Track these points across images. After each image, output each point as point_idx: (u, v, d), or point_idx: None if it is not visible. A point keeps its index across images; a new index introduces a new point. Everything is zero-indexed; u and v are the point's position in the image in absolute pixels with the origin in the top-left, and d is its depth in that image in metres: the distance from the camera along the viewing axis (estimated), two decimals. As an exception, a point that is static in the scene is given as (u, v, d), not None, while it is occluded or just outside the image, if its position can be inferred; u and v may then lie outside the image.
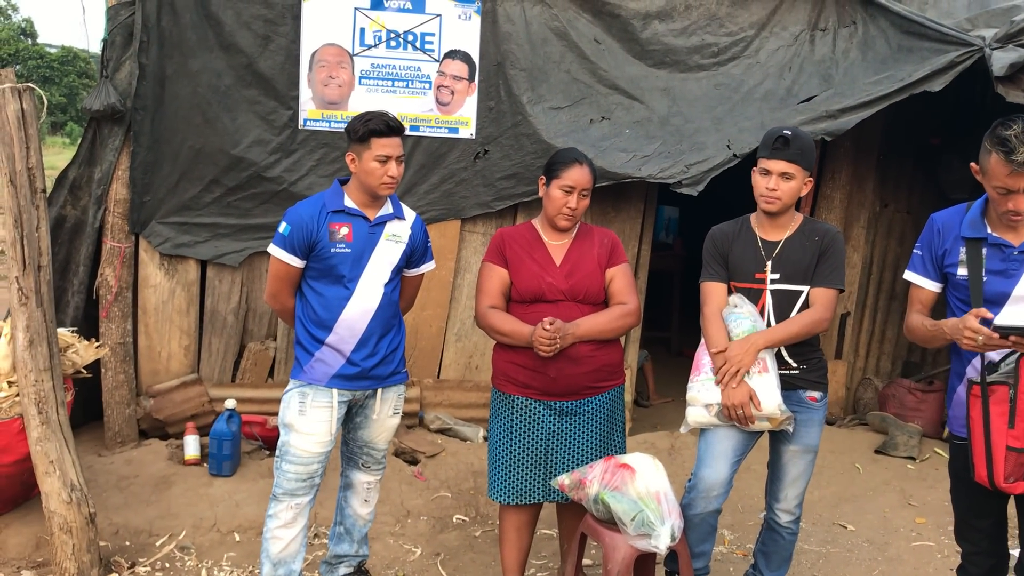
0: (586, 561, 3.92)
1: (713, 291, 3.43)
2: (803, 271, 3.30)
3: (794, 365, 3.33)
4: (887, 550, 4.40)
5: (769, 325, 3.32)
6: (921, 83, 4.93)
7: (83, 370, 4.20)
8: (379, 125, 3.17)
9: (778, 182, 3.23)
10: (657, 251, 7.85)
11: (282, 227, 3.23)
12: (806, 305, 3.31)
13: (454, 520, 4.53)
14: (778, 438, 3.42)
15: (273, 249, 3.25)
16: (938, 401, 6.14)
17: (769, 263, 3.34)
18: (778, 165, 3.22)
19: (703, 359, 3.40)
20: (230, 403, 4.71)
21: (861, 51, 5.35)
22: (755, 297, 3.36)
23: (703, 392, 3.33)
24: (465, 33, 5.14)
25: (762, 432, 3.36)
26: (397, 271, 3.39)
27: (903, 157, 6.43)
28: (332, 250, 3.22)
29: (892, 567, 4.21)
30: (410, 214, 3.47)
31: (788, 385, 3.31)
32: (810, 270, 3.31)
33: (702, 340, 3.43)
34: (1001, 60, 4.66)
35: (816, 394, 3.37)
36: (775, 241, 3.36)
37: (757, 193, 3.31)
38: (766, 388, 3.20)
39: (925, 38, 5.07)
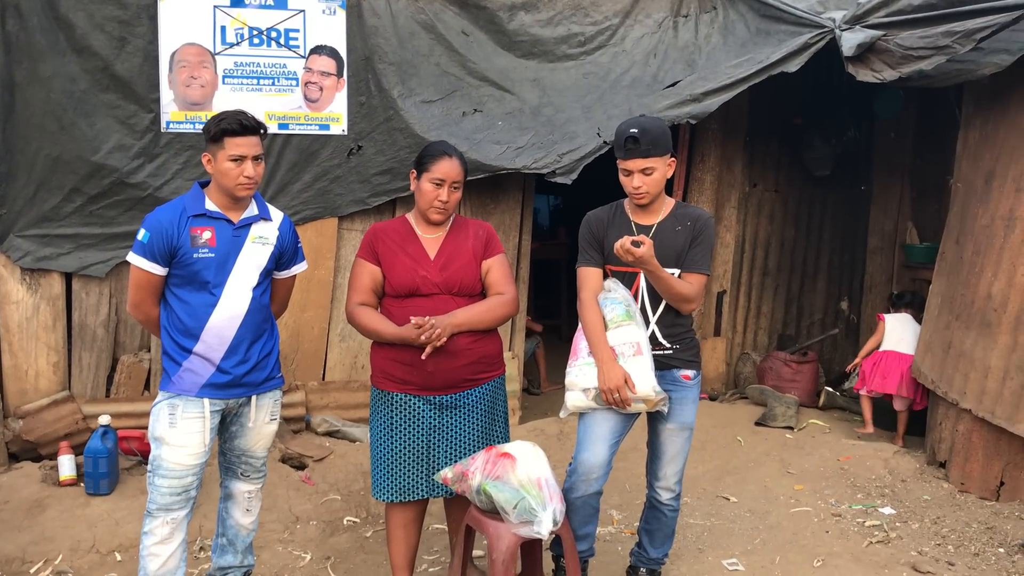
0: (477, 552, 3.93)
1: (589, 276, 3.48)
2: (676, 254, 3.37)
3: (667, 345, 3.42)
4: (768, 518, 4.55)
5: (642, 308, 3.40)
6: (778, 65, 5.10)
7: (-61, 395, 3.99)
8: (231, 124, 3.10)
9: (641, 179, 3.29)
10: (542, 240, 7.95)
11: (141, 234, 3.12)
12: None
13: (345, 522, 4.48)
14: (655, 417, 3.49)
15: (133, 257, 3.13)
16: (812, 371, 6.39)
17: None
18: (635, 164, 3.28)
19: (580, 344, 3.45)
20: (104, 419, 4.54)
21: (722, 36, 5.50)
22: (630, 280, 3.42)
23: (581, 377, 3.38)
24: (331, 28, 5.07)
25: (639, 413, 3.42)
26: (266, 274, 3.31)
27: (769, 138, 6.65)
28: (195, 255, 3.13)
29: (772, 534, 4.36)
30: (277, 215, 3.40)
31: (662, 365, 3.39)
32: (683, 253, 3.38)
33: (580, 326, 3.48)
34: (850, 41, 4.86)
35: (690, 372, 3.46)
36: (648, 225, 3.42)
37: (625, 191, 3.38)
38: (641, 371, 3.27)
39: (781, 21, 5.25)
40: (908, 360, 5.63)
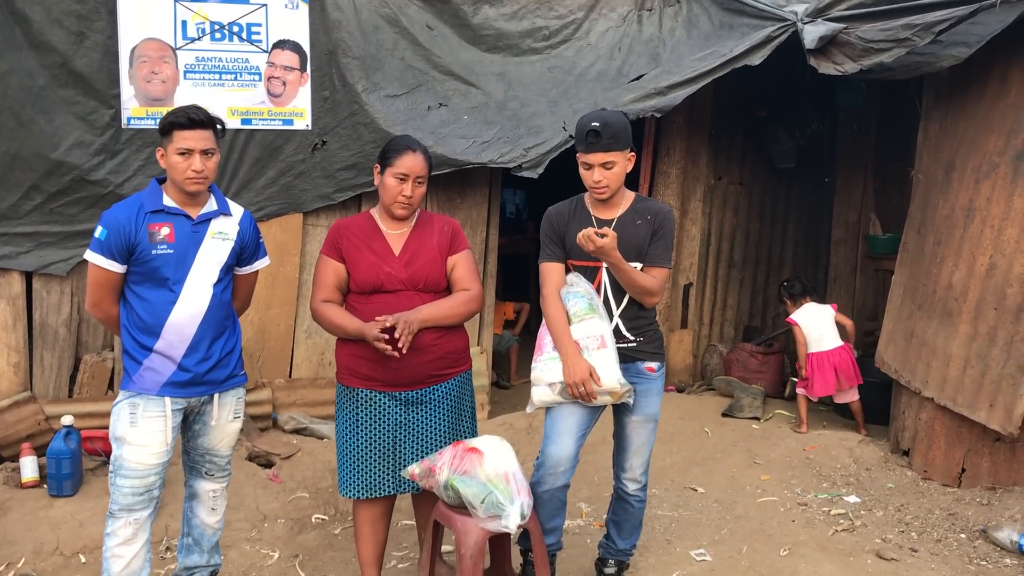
0: (447, 548, 3.92)
1: (551, 271, 3.49)
2: (636, 248, 3.38)
3: (631, 338, 3.43)
4: (735, 508, 4.59)
5: (606, 301, 3.40)
6: (742, 58, 5.13)
7: None
8: (179, 118, 3.08)
9: (602, 172, 3.30)
10: (511, 234, 7.95)
11: (98, 231, 3.08)
12: None
13: (313, 520, 4.46)
14: (620, 410, 3.51)
15: (90, 255, 3.09)
16: (778, 362, 6.44)
17: None
18: (596, 157, 3.28)
19: (545, 339, 3.45)
20: (67, 419, 4.49)
21: (686, 29, 5.53)
22: (592, 275, 3.42)
23: (546, 372, 3.38)
24: (293, 22, 5.03)
25: (605, 406, 3.44)
26: (227, 270, 3.28)
27: (733, 131, 6.70)
28: (153, 252, 3.09)
29: (739, 524, 4.40)
30: (237, 210, 3.36)
31: (626, 357, 3.40)
32: (644, 247, 3.39)
33: (544, 321, 3.48)
34: (812, 34, 4.90)
35: (654, 364, 3.47)
36: (609, 219, 3.43)
37: (585, 184, 3.38)
38: (605, 363, 3.28)
39: (744, 15, 5.29)
40: (836, 354, 5.65)
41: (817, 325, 5.72)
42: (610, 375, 3.27)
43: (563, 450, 3.38)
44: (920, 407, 4.98)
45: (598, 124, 3.22)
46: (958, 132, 5.00)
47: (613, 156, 3.27)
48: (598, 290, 3.41)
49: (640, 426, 3.49)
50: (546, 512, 3.45)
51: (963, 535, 4.27)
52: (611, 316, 3.40)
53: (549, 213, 3.53)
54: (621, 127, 3.29)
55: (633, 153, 3.38)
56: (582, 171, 3.36)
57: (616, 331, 3.39)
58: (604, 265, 3.38)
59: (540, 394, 3.41)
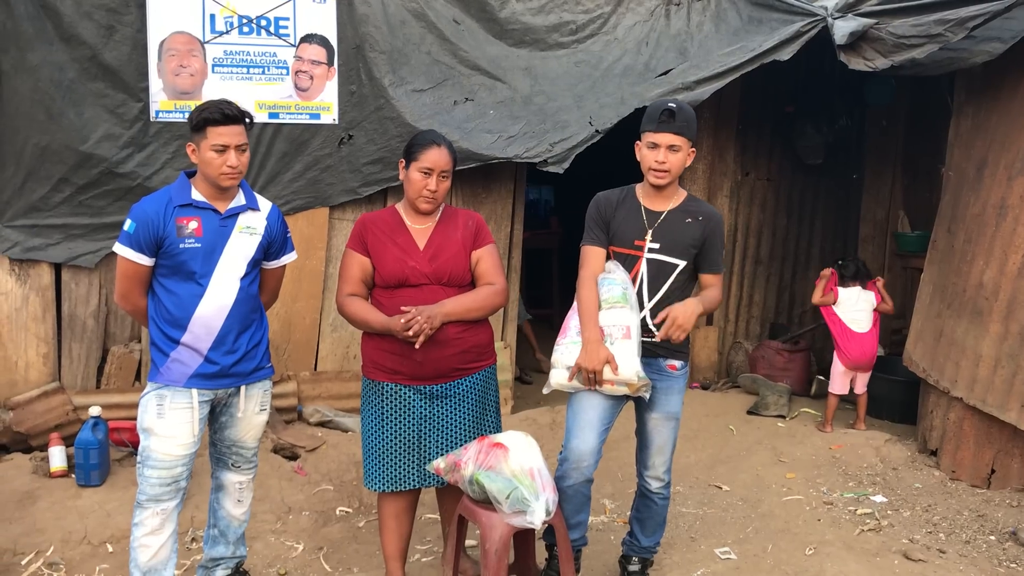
0: (470, 542, 3.92)
1: (592, 255, 3.47)
2: (682, 246, 3.36)
3: (656, 333, 3.40)
4: (760, 507, 4.56)
5: (640, 293, 3.39)
6: (770, 53, 5.10)
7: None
8: (214, 113, 3.08)
9: (666, 155, 3.28)
10: (534, 229, 7.94)
11: (127, 224, 3.10)
12: (679, 279, 3.40)
13: (337, 512, 4.48)
14: (642, 406, 3.49)
15: (119, 248, 3.12)
16: (804, 360, 6.39)
17: (650, 232, 3.39)
18: (665, 138, 3.27)
19: (571, 322, 3.44)
20: (95, 410, 4.53)
21: (714, 24, 5.49)
22: (631, 264, 3.41)
23: (566, 355, 3.37)
24: (321, 16, 5.04)
25: (627, 399, 3.43)
26: (254, 264, 3.29)
27: (761, 126, 6.64)
28: (181, 246, 3.11)
29: (764, 522, 4.37)
30: (265, 204, 3.37)
31: (649, 353, 3.38)
32: (690, 247, 3.38)
33: (573, 304, 3.47)
34: (842, 29, 4.85)
35: (676, 363, 3.46)
36: (658, 211, 3.42)
37: (645, 167, 3.36)
38: (626, 354, 3.26)
39: (773, 9, 5.24)
40: (866, 339, 5.63)
41: (853, 307, 5.70)
42: (629, 366, 3.25)
43: (586, 444, 3.37)
44: (949, 407, 4.92)
45: (675, 105, 3.26)
46: (991, 128, 4.93)
47: (681, 141, 3.28)
48: (634, 280, 3.40)
49: (661, 424, 3.48)
50: (571, 507, 3.44)
51: (992, 537, 4.22)
52: (641, 308, 3.39)
53: (598, 198, 3.52)
54: (693, 118, 3.32)
55: (693, 150, 3.38)
56: (645, 152, 3.34)
57: (642, 324, 3.37)
58: (644, 255, 3.38)
59: (558, 377, 3.40)
